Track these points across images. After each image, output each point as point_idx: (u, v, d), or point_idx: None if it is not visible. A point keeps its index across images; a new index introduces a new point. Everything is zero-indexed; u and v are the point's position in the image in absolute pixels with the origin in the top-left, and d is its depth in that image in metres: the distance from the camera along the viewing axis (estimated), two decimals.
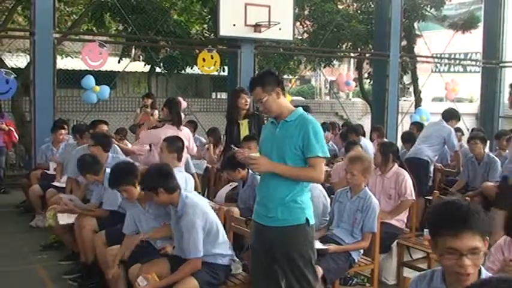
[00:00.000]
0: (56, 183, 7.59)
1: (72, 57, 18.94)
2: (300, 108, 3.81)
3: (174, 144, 5.81)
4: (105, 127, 7.67)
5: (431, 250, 2.41)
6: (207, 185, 8.33)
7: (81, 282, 5.48)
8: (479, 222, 2.21)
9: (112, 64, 15.91)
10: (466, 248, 2.19)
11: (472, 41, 21.85)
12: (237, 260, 4.61)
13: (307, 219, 3.70)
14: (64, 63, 18.85)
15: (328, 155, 3.74)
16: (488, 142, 8.24)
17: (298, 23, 16.72)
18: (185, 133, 6.81)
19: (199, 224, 4.17)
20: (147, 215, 4.83)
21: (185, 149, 6.25)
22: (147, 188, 4.40)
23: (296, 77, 22.26)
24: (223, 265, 4.41)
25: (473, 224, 2.20)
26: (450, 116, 8.37)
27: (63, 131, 8.54)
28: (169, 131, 6.53)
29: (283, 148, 3.65)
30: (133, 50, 18.80)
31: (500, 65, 14.74)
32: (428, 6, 17.58)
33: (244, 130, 7.01)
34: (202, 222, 4.20)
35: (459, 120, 8.65)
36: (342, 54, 19.52)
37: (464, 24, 17.97)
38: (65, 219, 5.84)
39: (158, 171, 4.39)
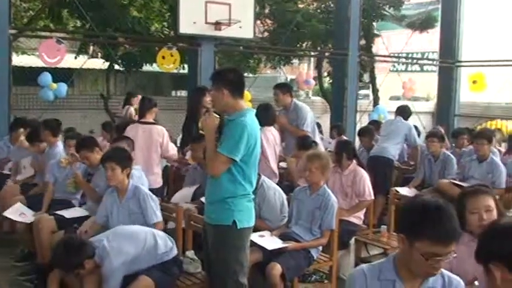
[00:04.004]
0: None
1: (29, 54, 18.56)
2: (248, 111, 3.90)
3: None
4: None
5: (398, 243, 2.42)
6: (167, 183, 8.26)
7: (37, 283, 5.34)
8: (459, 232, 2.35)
9: (70, 61, 15.62)
10: (447, 253, 2.28)
11: (429, 41, 22.17)
12: (196, 258, 4.59)
13: (234, 222, 3.79)
14: (20, 60, 18.45)
15: (234, 158, 3.72)
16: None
17: (258, 22, 16.73)
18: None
19: (117, 266, 4.09)
20: (121, 208, 4.75)
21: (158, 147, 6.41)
22: (72, 269, 4.18)
23: (256, 75, 22.25)
24: (171, 259, 4.41)
25: (458, 235, 2.33)
26: (405, 112, 8.63)
27: (22, 130, 8.34)
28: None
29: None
30: (91, 47, 18.54)
31: (457, 64, 14.99)
32: (387, 6, 17.82)
33: None
34: (120, 260, 4.12)
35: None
36: (302, 52, 19.61)
37: (422, 24, 18.27)
38: (14, 215, 5.66)
39: (70, 249, 4.13)
